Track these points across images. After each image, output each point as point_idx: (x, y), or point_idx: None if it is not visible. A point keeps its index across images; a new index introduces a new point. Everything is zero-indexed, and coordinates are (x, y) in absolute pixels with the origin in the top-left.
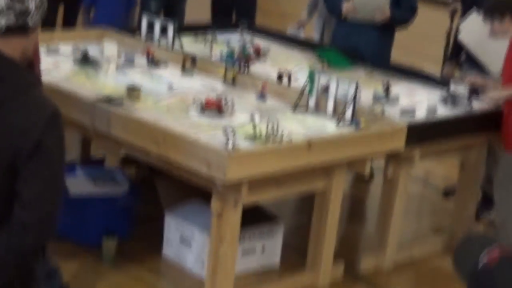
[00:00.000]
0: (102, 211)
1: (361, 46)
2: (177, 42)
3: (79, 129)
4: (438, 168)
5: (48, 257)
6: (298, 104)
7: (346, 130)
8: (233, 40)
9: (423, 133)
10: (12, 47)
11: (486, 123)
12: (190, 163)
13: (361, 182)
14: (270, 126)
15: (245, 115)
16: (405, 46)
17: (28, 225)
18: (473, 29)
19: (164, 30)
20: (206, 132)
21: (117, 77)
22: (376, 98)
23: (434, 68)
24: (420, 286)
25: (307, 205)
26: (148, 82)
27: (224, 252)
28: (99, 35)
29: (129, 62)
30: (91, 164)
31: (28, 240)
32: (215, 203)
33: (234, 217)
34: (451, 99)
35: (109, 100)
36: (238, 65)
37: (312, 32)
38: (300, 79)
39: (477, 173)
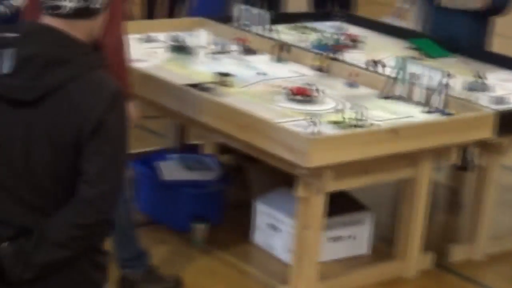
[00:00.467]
0: (192, 196)
1: (457, 34)
2: (271, 31)
3: (170, 115)
4: None
5: (136, 239)
6: (387, 92)
7: (433, 117)
8: (329, 29)
9: None
10: (79, 29)
11: None
12: (274, 148)
13: (459, 172)
14: (356, 113)
15: (333, 102)
16: (505, 35)
17: (89, 201)
18: None
19: (259, 19)
20: (292, 118)
21: (209, 64)
22: (468, 87)
23: None
24: None
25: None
26: (239, 69)
27: (309, 238)
28: (196, 23)
29: (223, 49)
30: (188, 150)
31: (91, 215)
32: (299, 189)
33: (318, 203)
34: None
35: (200, 86)
36: (330, 53)
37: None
38: (392, 67)
39: None
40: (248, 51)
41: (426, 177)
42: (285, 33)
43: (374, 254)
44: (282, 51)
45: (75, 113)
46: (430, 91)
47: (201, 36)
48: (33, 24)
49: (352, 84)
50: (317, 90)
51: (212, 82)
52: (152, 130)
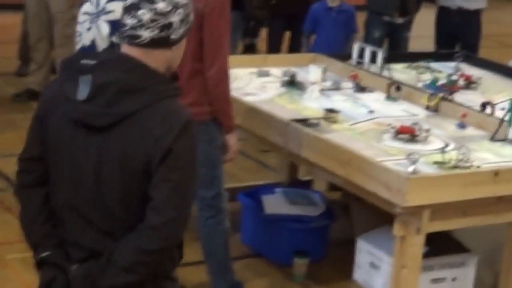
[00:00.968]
0: (294, 231)
1: None
2: (387, 69)
3: (276, 149)
4: None
5: (232, 269)
6: (496, 134)
7: None
8: (445, 69)
9: None
10: (156, 59)
11: None
12: (372, 186)
13: None
14: (460, 154)
15: (439, 143)
16: None
17: (156, 227)
18: None
19: (375, 57)
20: (396, 157)
21: (320, 100)
22: None
23: None
24: None
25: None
26: (349, 106)
27: (406, 278)
28: (311, 59)
29: (336, 86)
30: (299, 185)
31: (155, 241)
32: (397, 228)
33: (417, 243)
34: None
35: (305, 121)
36: (442, 93)
37: None
38: (505, 109)
39: None
40: (361, 88)
41: None
42: (400, 71)
43: None
44: (395, 90)
45: (146, 141)
46: None
47: (312, 71)
48: (111, 52)
49: (462, 125)
50: (424, 129)
51: (318, 118)
52: (266, 164)
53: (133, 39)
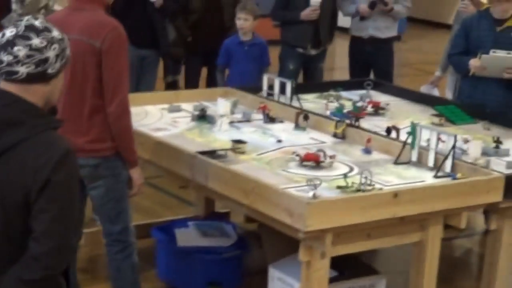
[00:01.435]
0: (207, 262)
1: (486, 101)
2: (297, 100)
3: (182, 181)
4: None
5: None
6: (399, 157)
7: (441, 182)
8: (355, 97)
9: None
10: (34, 93)
11: None
12: (275, 212)
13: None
14: (363, 178)
15: (344, 168)
16: None
17: (36, 257)
18: None
19: (284, 88)
20: (299, 184)
21: (229, 132)
22: (484, 152)
23: None
24: None
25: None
26: (258, 137)
27: None
28: (223, 93)
29: (246, 118)
30: (216, 218)
31: (36, 271)
32: (302, 253)
33: (322, 267)
34: None
35: (212, 153)
36: (348, 119)
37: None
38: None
39: None
40: (270, 119)
41: (436, 241)
42: (310, 101)
43: None
44: (303, 119)
45: (25, 173)
46: (441, 156)
47: (220, 105)
48: None
49: (367, 150)
50: (328, 156)
51: (225, 149)
52: (185, 199)
53: (10, 75)
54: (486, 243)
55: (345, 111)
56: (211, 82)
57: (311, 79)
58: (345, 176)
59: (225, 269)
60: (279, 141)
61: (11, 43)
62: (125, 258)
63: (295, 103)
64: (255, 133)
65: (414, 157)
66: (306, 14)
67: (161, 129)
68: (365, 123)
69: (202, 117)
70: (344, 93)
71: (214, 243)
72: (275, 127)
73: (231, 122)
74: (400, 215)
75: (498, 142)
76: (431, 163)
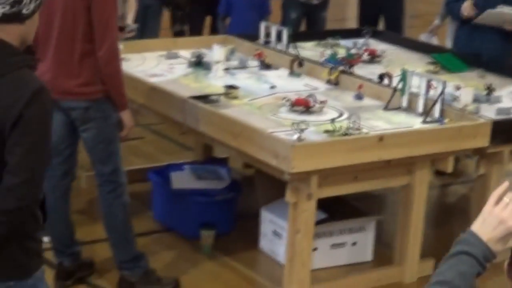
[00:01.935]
0: (201, 204)
1: (481, 49)
2: (293, 47)
3: (175, 125)
4: None
5: (133, 241)
6: (389, 103)
7: (428, 126)
8: (353, 45)
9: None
10: (9, 33)
11: None
12: (262, 155)
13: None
14: (350, 122)
15: (334, 113)
16: None
17: (10, 188)
18: None
19: (281, 36)
20: (288, 128)
21: (224, 78)
22: (476, 99)
23: None
24: None
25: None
26: (252, 82)
27: (300, 242)
28: (221, 41)
29: (242, 65)
30: (214, 163)
31: (10, 202)
32: (289, 195)
33: (308, 208)
34: None
35: (205, 98)
36: (342, 66)
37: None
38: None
39: None
40: (266, 66)
41: (423, 185)
42: (308, 49)
43: (376, 261)
44: (298, 66)
45: None
46: (431, 102)
47: (215, 51)
48: None
49: (359, 96)
50: (319, 101)
51: (218, 94)
52: (185, 145)
53: None
54: (474, 187)
55: (338, 57)
56: (214, 31)
57: (313, 28)
58: (332, 120)
59: (219, 211)
60: (272, 87)
61: None
62: (116, 197)
63: (292, 51)
64: (249, 79)
65: (404, 103)
66: None
67: (157, 75)
68: (360, 70)
69: (199, 63)
70: (343, 42)
71: (208, 185)
72: (270, 74)
73: (227, 69)
74: (385, 158)
75: (490, 89)
76: (420, 109)
